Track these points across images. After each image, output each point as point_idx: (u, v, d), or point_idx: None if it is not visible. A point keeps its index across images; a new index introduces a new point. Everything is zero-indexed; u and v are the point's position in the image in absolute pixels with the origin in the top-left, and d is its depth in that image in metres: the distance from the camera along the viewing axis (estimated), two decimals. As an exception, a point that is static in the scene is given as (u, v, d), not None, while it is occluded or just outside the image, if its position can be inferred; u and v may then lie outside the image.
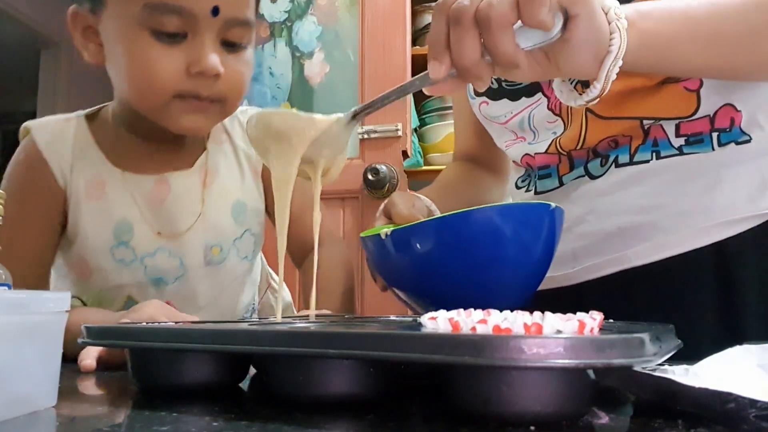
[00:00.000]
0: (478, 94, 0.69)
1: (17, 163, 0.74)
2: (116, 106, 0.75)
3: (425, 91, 0.46)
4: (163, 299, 0.69)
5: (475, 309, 0.37)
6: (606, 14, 0.44)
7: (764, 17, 0.48)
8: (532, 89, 0.64)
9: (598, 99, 0.47)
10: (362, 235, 0.53)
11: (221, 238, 0.75)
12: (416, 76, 0.45)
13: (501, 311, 0.37)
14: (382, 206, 0.59)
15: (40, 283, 0.73)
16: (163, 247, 0.72)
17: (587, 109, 0.60)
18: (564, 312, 0.36)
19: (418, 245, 0.47)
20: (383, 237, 0.49)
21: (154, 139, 0.74)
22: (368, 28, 1.59)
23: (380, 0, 1.59)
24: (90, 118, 0.76)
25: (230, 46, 0.67)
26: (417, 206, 0.57)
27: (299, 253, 0.85)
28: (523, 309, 0.48)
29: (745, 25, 0.49)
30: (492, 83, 0.67)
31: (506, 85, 0.66)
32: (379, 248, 0.51)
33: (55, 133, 0.73)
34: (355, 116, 0.48)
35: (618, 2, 0.45)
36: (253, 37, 0.70)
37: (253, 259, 0.81)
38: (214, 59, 0.64)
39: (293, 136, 0.48)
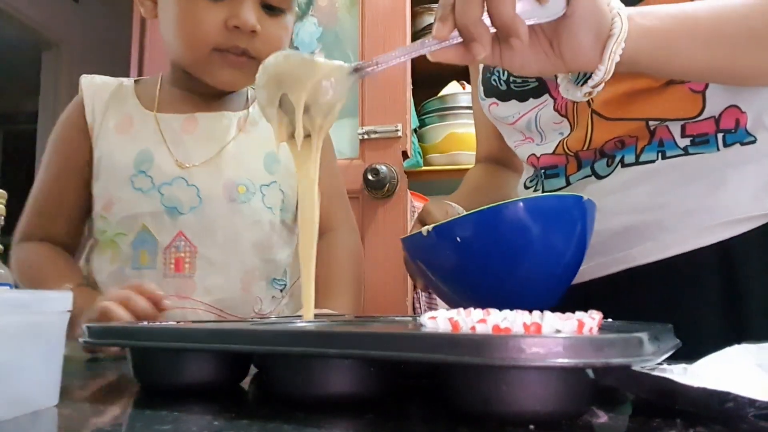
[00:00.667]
0: (488, 95, 0.70)
1: (64, 111, 0.82)
2: (167, 70, 0.82)
3: (429, 57, 0.46)
4: (177, 230, 0.74)
5: (513, 301, 0.38)
6: (607, 5, 0.45)
7: (764, 20, 0.49)
8: (539, 90, 0.65)
9: (602, 84, 0.47)
10: (402, 237, 0.54)
11: (248, 179, 0.78)
12: (423, 38, 0.46)
13: (539, 304, 0.38)
14: (416, 216, 0.62)
15: (78, 224, 0.80)
16: (180, 176, 0.75)
17: (593, 111, 0.60)
18: (573, 310, 0.36)
19: (458, 239, 0.49)
20: (425, 234, 0.50)
21: (196, 94, 0.80)
22: (368, 29, 1.59)
23: (380, 1, 1.60)
24: (138, 81, 0.84)
25: (270, 9, 0.74)
26: (450, 213, 0.59)
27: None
28: (556, 303, 0.49)
29: (746, 27, 0.49)
30: (500, 84, 0.67)
31: (515, 86, 0.66)
32: (420, 246, 0.53)
33: (100, 84, 0.81)
34: (356, 70, 0.48)
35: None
36: (293, 4, 0.77)
37: (283, 216, 0.81)
38: (251, 16, 0.71)
39: (297, 75, 0.49)
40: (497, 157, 0.83)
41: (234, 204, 0.77)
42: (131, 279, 0.72)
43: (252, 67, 0.74)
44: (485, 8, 0.43)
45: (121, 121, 0.78)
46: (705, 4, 0.50)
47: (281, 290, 0.81)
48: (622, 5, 0.46)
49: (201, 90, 0.79)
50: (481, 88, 0.71)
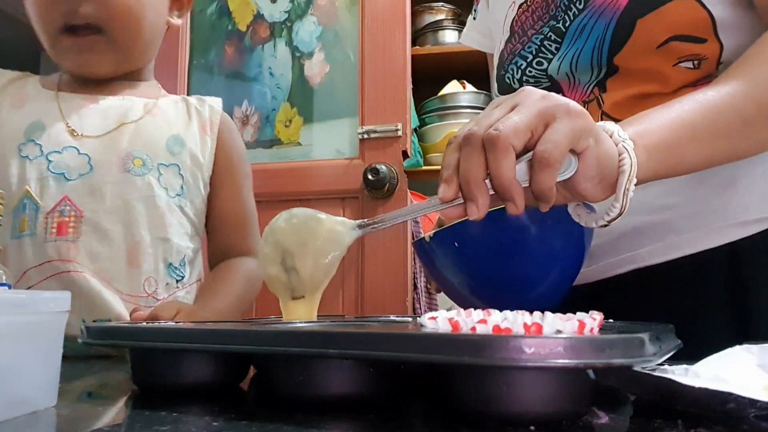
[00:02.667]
0: (501, 92, 0.70)
1: None
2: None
3: (441, 215, 0.46)
4: (63, 195, 0.73)
5: (515, 302, 0.39)
6: (611, 136, 0.44)
7: (752, 104, 0.49)
8: (549, 90, 0.64)
9: (620, 217, 0.46)
10: (413, 242, 0.55)
11: (147, 154, 0.78)
12: (429, 199, 0.45)
13: (540, 305, 0.38)
14: (437, 219, 0.63)
15: None
16: (72, 145, 0.75)
17: (603, 112, 0.60)
18: (580, 309, 0.36)
19: (456, 244, 0.51)
20: (427, 240, 0.52)
21: (98, 81, 0.81)
22: (368, 28, 1.59)
23: (380, 0, 1.59)
24: (44, 77, 0.84)
25: None
26: None
27: (220, 259, 0.87)
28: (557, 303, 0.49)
29: (737, 116, 0.49)
30: (513, 83, 0.67)
31: (527, 86, 0.66)
32: (424, 251, 0.54)
33: (1, 72, 0.83)
34: (360, 227, 0.49)
35: (620, 128, 0.45)
36: None
37: (181, 202, 0.80)
38: None
39: (302, 237, 0.49)
40: None
41: (127, 175, 0.75)
42: (9, 249, 0.72)
43: (99, 43, 0.76)
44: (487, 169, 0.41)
45: (17, 98, 0.79)
46: (695, 104, 0.49)
47: (177, 281, 0.79)
48: (621, 131, 0.44)
49: (98, 78, 0.80)
50: (495, 85, 0.71)
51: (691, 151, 0.48)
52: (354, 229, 0.49)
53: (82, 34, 0.75)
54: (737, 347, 0.34)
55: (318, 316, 0.53)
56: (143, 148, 0.77)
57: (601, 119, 0.61)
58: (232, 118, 1.69)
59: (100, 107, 0.79)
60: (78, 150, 0.75)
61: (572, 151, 0.41)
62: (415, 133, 1.67)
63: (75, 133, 0.75)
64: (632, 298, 0.61)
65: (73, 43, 0.75)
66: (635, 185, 0.44)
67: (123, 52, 0.79)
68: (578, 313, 0.35)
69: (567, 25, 0.61)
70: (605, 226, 0.47)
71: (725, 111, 0.49)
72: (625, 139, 0.44)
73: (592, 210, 0.48)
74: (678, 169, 0.50)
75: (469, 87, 1.76)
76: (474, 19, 0.81)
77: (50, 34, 0.75)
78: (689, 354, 0.36)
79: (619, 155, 0.44)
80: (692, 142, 0.48)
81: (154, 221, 0.77)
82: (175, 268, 0.79)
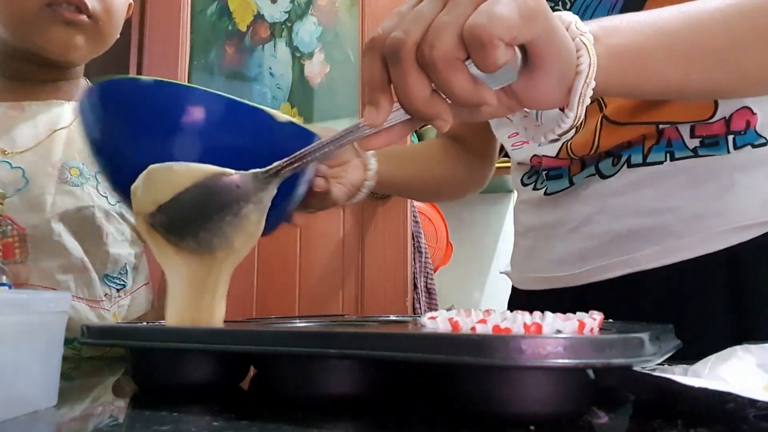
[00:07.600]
0: None
1: None
2: None
3: (359, 145, 0.39)
4: (3, 213, 0.67)
5: None
6: (567, 29, 0.37)
7: (747, 25, 0.43)
8: None
9: (574, 130, 0.40)
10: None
11: (83, 163, 0.75)
12: (350, 126, 0.38)
13: None
14: None
15: None
16: (4, 160, 0.72)
17: (604, 116, 0.58)
18: (570, 312, 0.35)
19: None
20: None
21: (24, 82, 0.76)
22: (368, 28, 1.59)
23: (380, 0, 1.59)
24: None
25: None
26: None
27: None
28: None
29: (727, 35, 0.43)
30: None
31: None
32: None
33: None
34: (277, 173, 0.40)
35: (579, 18, 0.38)
36: None
37: (122, 208, 0.78)
38: None
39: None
40: (459, 134, 0.78)
41: (65, 185, 0.73)
42: None
43: (87, 25, 0.72)
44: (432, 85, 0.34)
45: None
46: (677, 12, 0.43)
47: (118, 290, 0.78)
48: (580, 22, 0.38)
49: (30, 76, 0.76)
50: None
51: (664, 66, 0.42)
52: (265, 178, 0.40)
53: (68, 9, 0.71)
54: (737, 347, 0.34)
55: (318, 316, 0.52)
56: (79, 157, 0.75)
57: (600, 122, 0.59)
58: (232, 118, 1.70)
59: (27, 116, 0.75)
60: (10, 164, 0.71)
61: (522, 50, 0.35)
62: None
63: (3, 150, 0.72)
64: (624, 302, 0.59)
65: (58, 16, 0.70)
66: (591, 96, 0.38)
67: (102, 45, 0.77)
68: (578, 313, 0.35)
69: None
70: (555, 140, 0.41)
71: (712, 26, 0.43)
72: (585, 32, 0.37)
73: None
74: (644, 86, 0.43)
75: (469, 87, 1.76)
76: None
77: (32, 6, 0.69)
78: (689, 355, 0.36)
79: (577, 51, 0.37)
80: (667, 55, 0.42)
81: (91, 231, 0.75)
82: (112, 278, 0.78)
